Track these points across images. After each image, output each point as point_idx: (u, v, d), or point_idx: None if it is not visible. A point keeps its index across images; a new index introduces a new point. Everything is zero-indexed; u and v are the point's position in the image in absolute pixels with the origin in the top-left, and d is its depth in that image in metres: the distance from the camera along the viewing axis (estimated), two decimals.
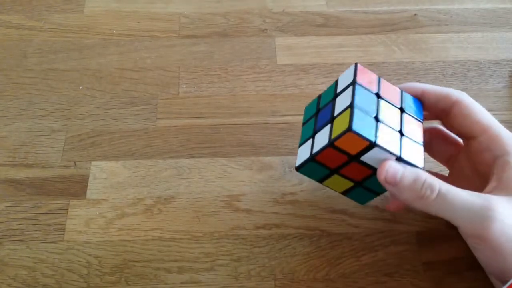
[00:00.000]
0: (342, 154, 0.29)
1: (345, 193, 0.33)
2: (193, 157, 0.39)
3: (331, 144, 0.29)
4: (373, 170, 0.30)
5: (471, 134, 0.32)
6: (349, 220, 0.36)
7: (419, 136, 0.31)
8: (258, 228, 0.36)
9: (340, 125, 0.29)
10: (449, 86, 0.44)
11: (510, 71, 0.45)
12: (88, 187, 0.38)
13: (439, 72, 0.45)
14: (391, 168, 0.29)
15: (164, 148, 0.40)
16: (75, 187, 0.38)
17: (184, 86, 0.44)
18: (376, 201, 0.37)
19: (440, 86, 0.44)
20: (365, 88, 0.30)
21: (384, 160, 0.29)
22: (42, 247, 0.35)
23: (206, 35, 0.47)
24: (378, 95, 0.31)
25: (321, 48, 0.47)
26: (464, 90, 0.43)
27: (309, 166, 0.31)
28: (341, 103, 0.30)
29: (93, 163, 0.39)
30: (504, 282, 0.29)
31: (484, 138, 0.31)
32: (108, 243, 0.35)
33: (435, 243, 0.35)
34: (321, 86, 0.44)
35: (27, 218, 0.36)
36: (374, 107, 0.30)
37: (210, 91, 0.43)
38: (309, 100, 0.43)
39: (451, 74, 0.45)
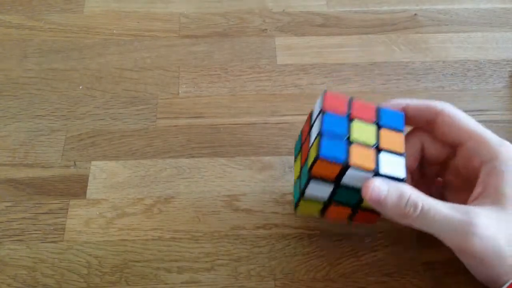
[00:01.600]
0: (325, 181, 0.30)
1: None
2: (193, 157, 0.39)
3: (309, 175, 0.30)
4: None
5: (458, 141, 0.32)
6: None
7: (400, 147, 0.31)
8: (258, 228, 0.36)
9: (312, 155, 0.30)
10: (449, 86, 0.44)
11: (510, 71, 0.45)
12: (88, 187, 0.38)
13: (439, 72, 0.45)
14: (376, 188, 0.29)
15: (164, 148, 0.40)
16: (75, 187, 0.38)
17: (184, 86, 0.44)
18: None
19: (440, 86, 0.44)
20: (335, 114, 0.31)
21: (365, 178, 0.29)
22: (42, 247, 0.35)
23: (206, 35, 0.47)
24: (350, 117, 0.31)
25: (321, 48, 0.47)
26: (464, 90, 0.44)
27: (303, 204, 0.33)
28: (314, 133, 0.31)
29: (93, 163, 0.39)
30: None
31: (471, 143, 0.31)
32: (108, 243, 0.35)
33: (435, 243, 0.35)
34: (321, 86, 0.44)
35: (27, 218, 0.36)
36: (345, 130, 0.30)
37: (210, 91, 0.43)
38: (309, 100, 0.43)
39: (451, 74, 0.45)
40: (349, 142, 0.30)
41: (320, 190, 0.31)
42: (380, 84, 0.44)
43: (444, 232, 0.29)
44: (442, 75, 0.45)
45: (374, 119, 0.31)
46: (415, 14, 0.49)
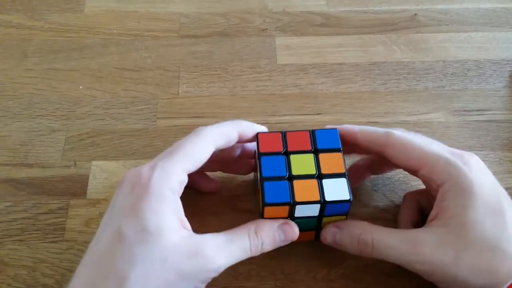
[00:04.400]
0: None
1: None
2: None
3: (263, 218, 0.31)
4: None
5: (413, 169, 0.32)
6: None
7: (341, 167, 0.31)
8: None
9: (260, 202, 0.31)
10: (450, 85, 0.44)
11: (510, 70, 0.45)
12: (88, 187, 0.38)
13: (439, 71, 0.45)
14: (329, 234, 0.32)
15: (164, 148, 0.39)
16: (75, 187, 0.38)
17: (184, 86, 0.44)
18: (377, 200, 0.37)
19: (440, 86, 0.44)
20: (271, 154, 0.32)
21: (316, 207, 0.30)
22: (42, 247, 0.35)
23: (206, 34, 0.47)
24: (286, 152, 0.32)
25: (321, 48, 0.47)
26: (464, 89, 0.44)
27: None
28: (258, 177, 0.32)
29: (93, 162, 0.39)
30: None
31: (424, 171, 0.31)
32: None
33: None
34: (321, 86, 0.44)
35: (27, 218, 0.36)
36: (284, 168, 0.31)
37: (210, 91, 0.43)
38: (309, 100, 0.43)
39: (451, 74, 0.45)
40: (291, 179, 0.31)
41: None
42: (380, 84, 0.44)
43: (396, 261, 0.30)
44: (442, 74, 0.45)
45: (310, 146, 0.32)
46: (415, 14, 0.49)
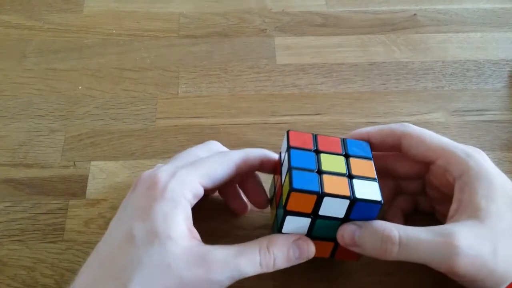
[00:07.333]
0: (302, 215, 0.30)
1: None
2: None
3: (285, 211, 0.29)
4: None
5: (428, 160, 0.32)
6: None
7: (371, 173, 0.30)
8: (257, 228, 0.36)
9: (286, 190, 0.29)
10: (449, 86, 0.44)
11: (509, 71, 0.45)
12: (88, 187, 0.38)
13: (438, 72, 0.45)
14: (346, 231, 0.29)
15: (164, 148, 0.40)
16: (75, 187, 0.38)
17: (184, 86, 0.44)
18: None
19: (439, 86, 0.44)
20: (302, 149, 0.31)
21: (343, 206, 0.29)
22: (42, 247, 0.35)
23: (206, 35, 0.47)
24: (317, 151, 0.31)
25: (320, 48, 0.47)
26: (463, 90, 0.44)
27: None
28: (284, 171, 0.31)
29: (93, 163, 0.39)
30: None
31: (441, 161, 0.31)
32: None
33: None
34: (320, 86, 0.44)
35: (26, 218, 0.36)
36: (314, 163, 0.30)
37: (210, 91, 0.43)
38: (309, 100, 0.43)
39: (451, 74, 0.45)
40: (320, 173, 0.30)
41: (297, 226, 0.30)
42: (380, 84, 0.44)
43: (429, 259, 0.28)
44: (442, 75, 0.45)
45: (340, 150, 0.32)
46: (415, 14, 0.50)
